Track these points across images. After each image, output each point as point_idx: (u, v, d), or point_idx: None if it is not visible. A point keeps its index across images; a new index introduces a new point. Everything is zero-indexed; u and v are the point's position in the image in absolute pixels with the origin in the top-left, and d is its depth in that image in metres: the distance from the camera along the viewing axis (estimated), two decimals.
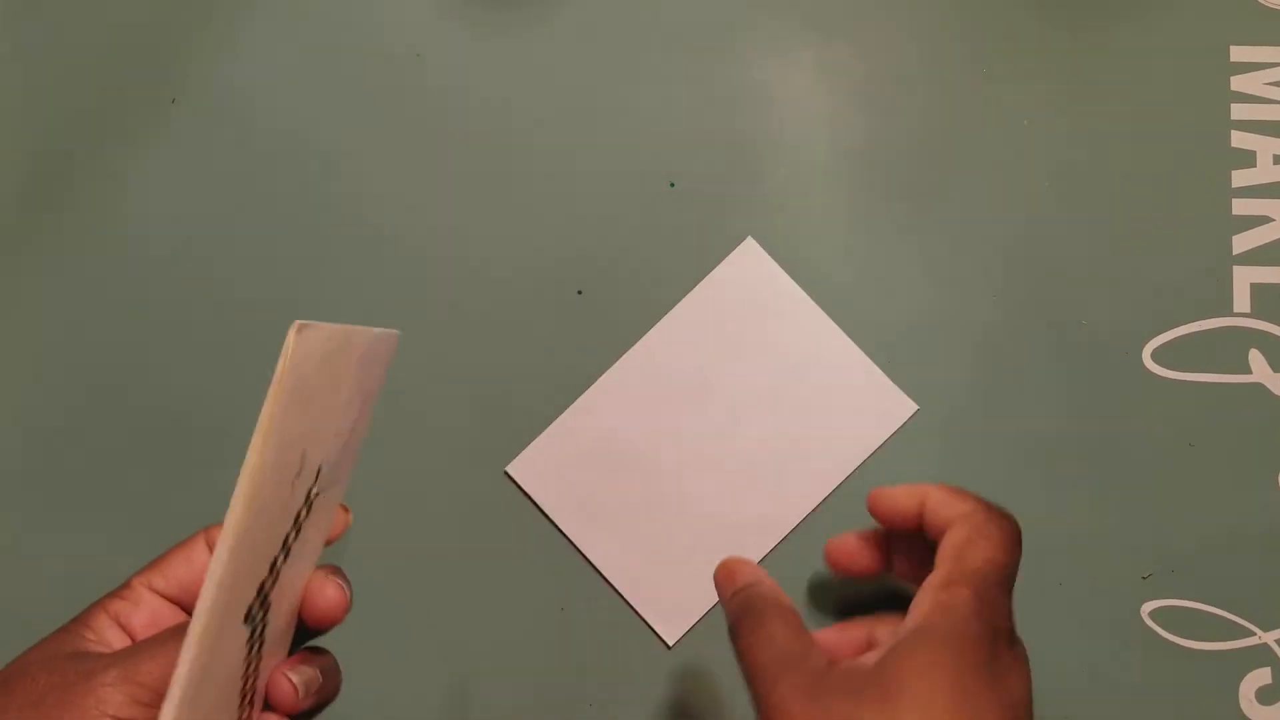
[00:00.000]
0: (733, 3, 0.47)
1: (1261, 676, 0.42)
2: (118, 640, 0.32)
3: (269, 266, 0.45)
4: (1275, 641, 0.43)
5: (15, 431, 0.45)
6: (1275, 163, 0.45)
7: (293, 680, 0.31)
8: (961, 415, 0.44)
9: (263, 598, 0.27)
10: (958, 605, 0.30)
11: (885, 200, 0.45)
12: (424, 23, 0.47)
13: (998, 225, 0.45)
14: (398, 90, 0.46)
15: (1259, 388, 0.44)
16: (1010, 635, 0.31)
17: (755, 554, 0.43)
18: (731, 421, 0.44)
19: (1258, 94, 0.45)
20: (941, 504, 0.34)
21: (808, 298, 0.45)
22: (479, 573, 0.44)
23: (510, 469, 0.44)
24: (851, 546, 0.39)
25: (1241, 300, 0.44)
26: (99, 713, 0.28)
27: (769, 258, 0.45)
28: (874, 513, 0.37)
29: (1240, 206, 0.45)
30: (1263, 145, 0.45)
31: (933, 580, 0.32)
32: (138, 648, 0.30)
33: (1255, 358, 0.44)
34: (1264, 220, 0.45)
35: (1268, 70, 0.45)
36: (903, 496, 0.36)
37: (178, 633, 0.30)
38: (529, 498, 0.44)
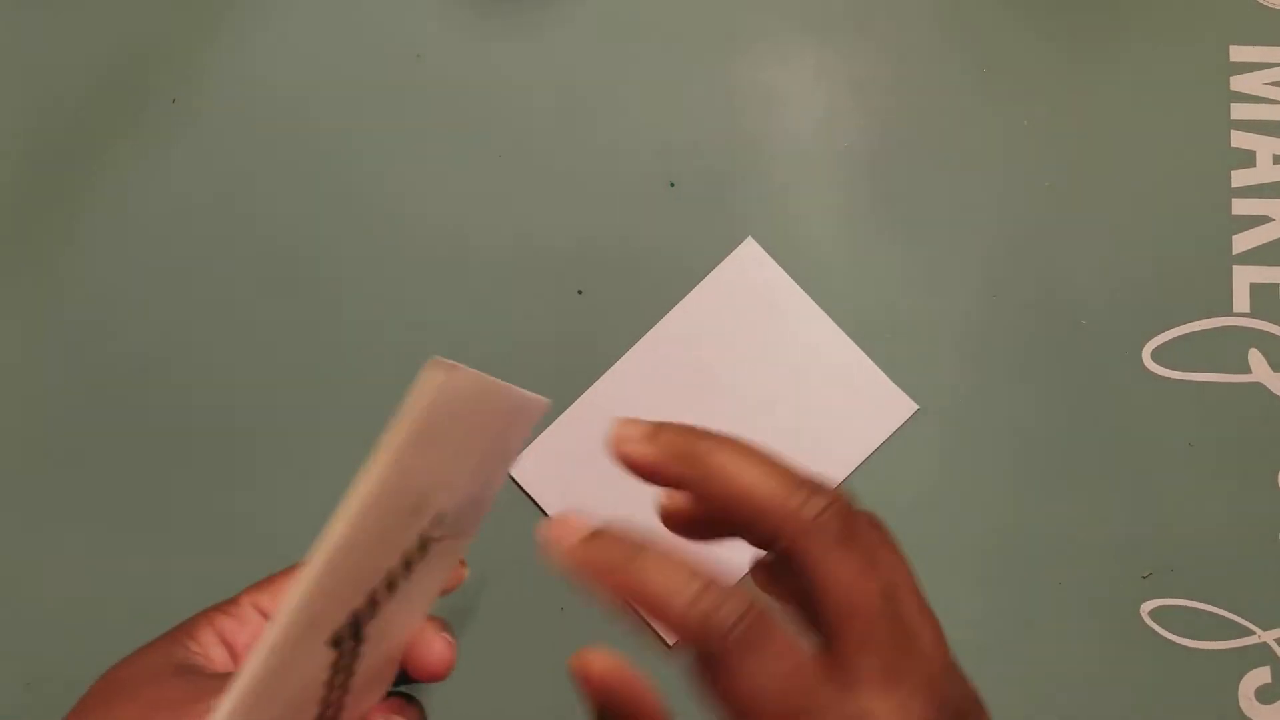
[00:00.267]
0: (733, 3, 0.46)
1: (1261, 676, 0.43)
2: (220, 657, 0.31)
3: (269, 266, 0.45)
4: (1275, 641, 0.43)
5: (15, 431, 0.45)
6: (1275, 163, 0.45)
7: None
8: (961, 415, 0.44)
9: (356, 627, 0.26)
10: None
11: (885, 200, 0.45)
12: (424, 23, 0.47)
13: (998, 225, 0.45)
14: (398, 90, 0.46)
15: (1259, 388, 0.44)
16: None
17: (755, 554, 0.43)
18: (732, 421, 0.44)
19: (1258, 94, 0.45)
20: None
21: (808, 298, 0.45)
22: (479, 573, 0.44)
23: (510, 469, 0.44)
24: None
25: (1241, 300, 0.44)
26: None
27: (769, 258, 0.45)
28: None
29: (1240, 206, 0.45)
30: (1263, 145, 0.45)
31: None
32: None
33: (1255, 358, 0.44)
34: (1264, 220, 0.45)
35: (1268, 70, 0.45)
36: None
37: None
38: (529, 497, 0.44)
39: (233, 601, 0.32)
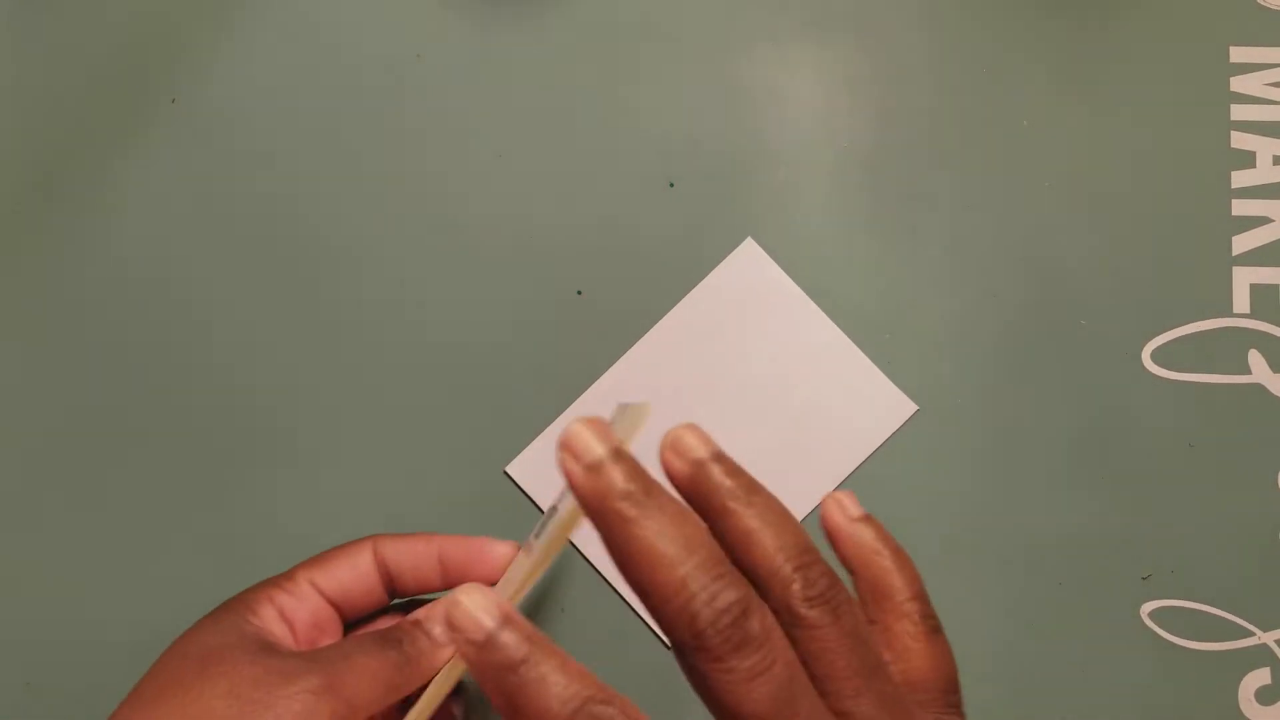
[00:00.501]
0: (733, 3, 0.46)
1: (1261, 677, 0.43)
2: (282, 633, 0.30)
3: (269, 266, 0.45)
4: (1275, 642, 0.43)
5: (14, 431, 0.45)
6: (1275, 163, 0.45)
7: None
8: (961, 415, 0.44)
9: None
10: None
11: (885, 200, 0.45)
12: (424, 23, 0.47)
13: (998, 225, 0.45)
14: (398, 90, 0.46)
15: (1259, 388, 0.44)
16: None
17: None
18: (731, 422, 0.44)
19: (1258, 94, 0.45)
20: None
21: (808, 298, 0.45)
22: None
23: (510, 469, 0.44)
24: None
25: (1241, 301, 0.44)
26: None
27: (769, 258, 0.45)
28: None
29: (1240, 207, 0.45)
30: (1263, 146, 0.45)
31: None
32: (333, 656, 0.29)
33: (1255, 358, 0.44)
34: (1264, 221, 0.45)
35: (1268, 71, 0.45)
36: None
37: (373, 644, 0.29)
38: (529, 498, 0.44)
39: (289, 577, 0.32)
